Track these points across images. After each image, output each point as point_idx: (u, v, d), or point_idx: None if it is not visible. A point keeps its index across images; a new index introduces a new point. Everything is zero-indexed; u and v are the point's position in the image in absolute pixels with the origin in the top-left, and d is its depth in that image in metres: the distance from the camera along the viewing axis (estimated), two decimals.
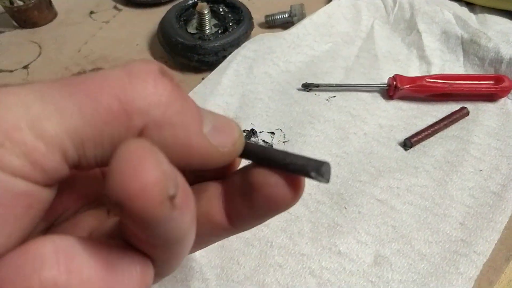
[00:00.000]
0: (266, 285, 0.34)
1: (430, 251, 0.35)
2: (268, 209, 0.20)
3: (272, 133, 0.45)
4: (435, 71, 0.51)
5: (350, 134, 0.45)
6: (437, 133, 0.44)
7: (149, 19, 0.62)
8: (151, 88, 0.16)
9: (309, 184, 0.40)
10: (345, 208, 0.39)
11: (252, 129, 0.45)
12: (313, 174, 0.18)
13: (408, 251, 0.35)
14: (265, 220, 0.22)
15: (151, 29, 0.61)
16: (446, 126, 0.45)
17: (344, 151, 0.43)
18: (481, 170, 0.41)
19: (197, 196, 0.21)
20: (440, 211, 0.38)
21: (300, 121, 0.46)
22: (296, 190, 0.19)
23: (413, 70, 0.51)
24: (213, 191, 0.22)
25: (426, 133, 0.43)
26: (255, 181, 0.20)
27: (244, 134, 0.45)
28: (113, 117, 0.16)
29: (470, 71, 0.51)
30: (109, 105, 0.15)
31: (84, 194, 0.23)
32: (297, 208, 0.39)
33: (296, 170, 0.18)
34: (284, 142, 0.44)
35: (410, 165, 0.42)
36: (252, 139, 0.44)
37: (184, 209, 0.15)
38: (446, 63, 0.52)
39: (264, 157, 0.20)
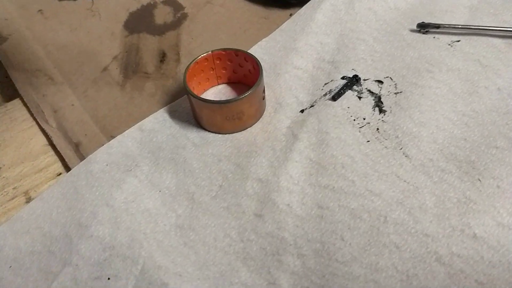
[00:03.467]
0: (379, 269, 0.27)
1: None
2: None
3: (380, 81, 0.37)
4: None
5: (479, 88, 0.36)
6: None
7: None
8: None
9: (430, 148, 0.32)
10: (479, 181, 0.30)
11: (355, 76, 0.37)
12: None
13: None
14: None
15: None
16: None
17: (473, 108, 0.34)
18: None
19: None
20: None
21: (415, 69, 0.37)
22: None
23: None
24: None
25: None
26: None
27: (345, 81, 0.36)
28: None
29: None
30: None
31: None
32: (415, 176, 0.31)
33: None
34: (395, 93, 0.36)
35: None
36: (355, 87, 0.36)
37: None
38: None
39: None
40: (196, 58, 0.35)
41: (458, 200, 0.29)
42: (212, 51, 0.35)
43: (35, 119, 0.38)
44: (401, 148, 0.32)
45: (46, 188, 0.33)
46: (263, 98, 0.35)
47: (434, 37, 0.39)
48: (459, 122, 0.34)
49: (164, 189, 0.32)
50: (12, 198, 0.33)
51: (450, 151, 0.32)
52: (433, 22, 0.39)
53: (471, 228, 0.28)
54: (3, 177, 0.34)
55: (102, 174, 0.33)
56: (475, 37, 0.39)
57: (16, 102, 0.39)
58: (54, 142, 0.35)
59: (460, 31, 0.39)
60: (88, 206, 0.31)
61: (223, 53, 0.35)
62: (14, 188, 0.33)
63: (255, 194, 0.31)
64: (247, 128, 0.35)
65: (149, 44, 0.42)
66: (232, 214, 0.30)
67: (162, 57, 0.41)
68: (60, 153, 0.35)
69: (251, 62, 0.35)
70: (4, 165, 0.35)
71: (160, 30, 0.44)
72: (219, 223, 0.30)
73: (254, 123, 0.35)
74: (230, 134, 0.34)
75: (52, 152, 0.36)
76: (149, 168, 0.33)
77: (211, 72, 0.36)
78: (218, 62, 0.36)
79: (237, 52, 0.35)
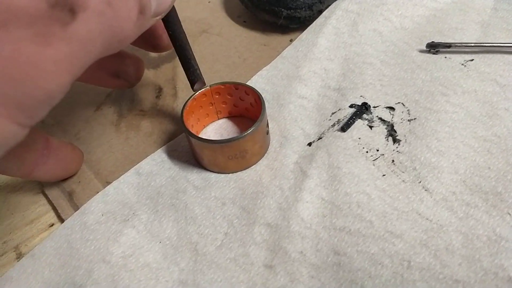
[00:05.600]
0: None
1: None
2: None
3: (392, 108, 0.34)
4: None
5: (499, 110, 0.33)
6: None
7: None
8: None
9: (451, 180, 0.29)
10: (509, 214, 0.27)
11: (364, 103, 0.34)
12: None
13: None
14: None
15: None
16: None
17: (494, 133, 0.32)
18: None
19: None
20: None
21: (428, 93, 0.34)
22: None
23: None
24: None
25: None
26: None
27: (354, 109, 0.34)
28: None
29: None
30: None
31: None
32: (438, 213, 0.28)
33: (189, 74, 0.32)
34: (409, 120, 0.33)
35: None
36: (365, 116, 0.34)
37: None
38: None
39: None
40: (194, 94, 0.32)
41: (488, 238, 0.26)
42: (210, 86, 0.33)
43: None
44: (420, 182, 0.30)
45: (38, 241, 0.31)
46: (267, 133, 0.32)
47: (445, 57, 0.37)
48: (481, 149, 0.31)
49: (164, 240, 0.29)
50: (2, 255, 0.30)
51: (474, 182, 0.29)
52: (443, 41, 0.37)
53: (506, 270, 0.25)
54: None
55: (98, 226, 0.30)
56: (489, 55, 0.37)
57: None
58: (46, 191, 0.33)
59: (473, 49, 0.37)
60: (83, 262, 0.28)
61: (222, 87, 0.33)
62: (4, 243, 0.31)
63: (264, 242, 0.28)
64: (251, 166, 0.32)
65: (144, 78, 0.40)
66: (240, 266, 0.27)
67: (158, 93, 0.39)
68: (52, 202, 0.33)
69: (252, 95, 0.32)
70: None
71: (155, 63, 0.42)
72: (226, 277, 0.27)
73: (259, 160, 0.32)
74: (234, 174, 0.32)
75: (44, 201, 0.33)
76: (147, 216, 0.30)
77: (211, 107, 0.34)
78: (217, 96, 0.34)
79: (237, 86, 0.33)
